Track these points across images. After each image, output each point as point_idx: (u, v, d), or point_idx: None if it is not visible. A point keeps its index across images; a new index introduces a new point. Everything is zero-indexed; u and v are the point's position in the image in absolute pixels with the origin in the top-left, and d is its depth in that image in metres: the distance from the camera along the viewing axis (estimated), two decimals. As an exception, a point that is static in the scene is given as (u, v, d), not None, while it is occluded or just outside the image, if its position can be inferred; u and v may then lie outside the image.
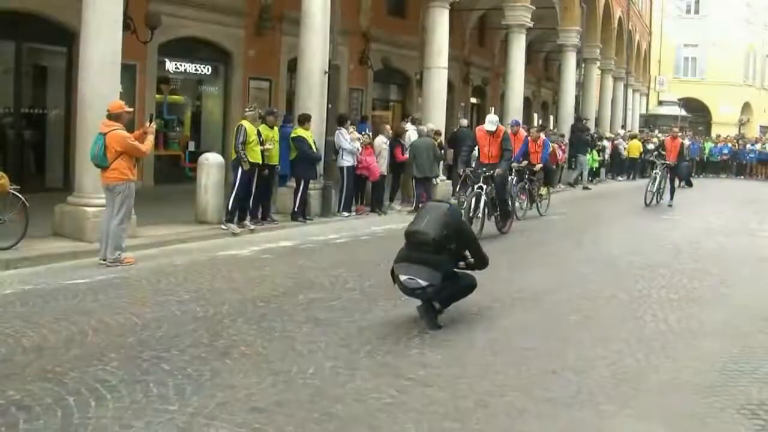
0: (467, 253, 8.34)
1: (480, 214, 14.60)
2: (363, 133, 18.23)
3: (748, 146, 43.61)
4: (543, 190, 19.88)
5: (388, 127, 19.91)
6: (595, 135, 33.19)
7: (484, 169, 15.11)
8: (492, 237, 14.76)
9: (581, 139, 30.29)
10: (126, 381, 6.03)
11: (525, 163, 18.27)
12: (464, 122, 24.41)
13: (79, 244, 11.80)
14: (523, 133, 18.88)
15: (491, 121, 15.46)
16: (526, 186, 18.73)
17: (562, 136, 29.51)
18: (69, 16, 16.04)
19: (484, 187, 14.87)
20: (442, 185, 20.89)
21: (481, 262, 8.44)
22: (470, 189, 15.26)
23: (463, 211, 13.03)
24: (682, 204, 23.70)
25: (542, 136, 20.20)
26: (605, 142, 34.06)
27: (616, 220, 19.32)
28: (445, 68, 22.02)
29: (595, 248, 14.35)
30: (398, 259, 8.17)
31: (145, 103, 19.34)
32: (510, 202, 16.21)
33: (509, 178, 16.86)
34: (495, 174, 14.97)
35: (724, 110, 62.41)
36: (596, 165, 32.34)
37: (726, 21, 59.71)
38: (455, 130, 23.44)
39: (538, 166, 18.97)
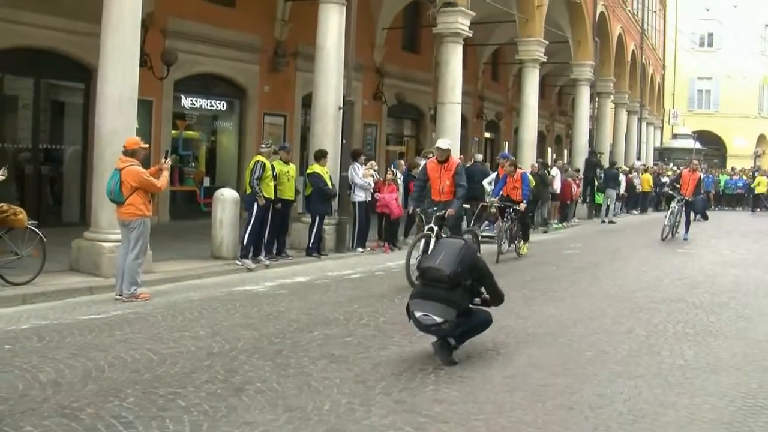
0: (483, 289, 8.34)
1: None
2: (389, 169, 18.32)
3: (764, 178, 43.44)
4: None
5: (402, 162, 19.95)
6: (619, 168, 33.27)
7: (435, 208, 13.29)
8: (505, 272, 14.74)
9: (610, 174, 30.49)
10: (142, 417, 6.04)
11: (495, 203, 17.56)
12: (479, 157, 24.44)
13: (96, 279, 11.87)
14: (520, 170, 18.07)
15: (441, 145, 13.73)
16: (508, 226, 17.51)
17: (578, 170, 29.56)
18: (87, 52, 16.27)
19: (435, 229, 12.94)
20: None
21: (497, 298, 8.43)
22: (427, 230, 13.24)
23: (410, 258, 12.62)
24: (698, 237, 23.64)
25: (519, 170, 18.28)
26: (621, 176, 34.10)
27: (632, 254, 19.24)
28: (458, 103, 22.13)
29: (611, 282, 14.28)
30: (413, 296, 8.17)
31: (161, 138, 19.51)
32: None
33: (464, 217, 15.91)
34: (446, 215, 13.12)
35: (739, 143, 62.51)
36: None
37: (739, 53, 59.93)
38: (468, 164, 23.46)
39: (522, 205, 17.45)
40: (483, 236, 20.06)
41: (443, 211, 13.05)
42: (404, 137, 31.20)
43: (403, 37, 29.04)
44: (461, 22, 21.51)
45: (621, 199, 33.93)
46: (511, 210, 17.46)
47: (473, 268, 8.13)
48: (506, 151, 32.57)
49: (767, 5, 61.91)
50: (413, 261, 12.46)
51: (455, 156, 15.64)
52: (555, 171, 26.58)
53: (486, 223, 20.67)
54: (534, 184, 20.90)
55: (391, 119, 29.21)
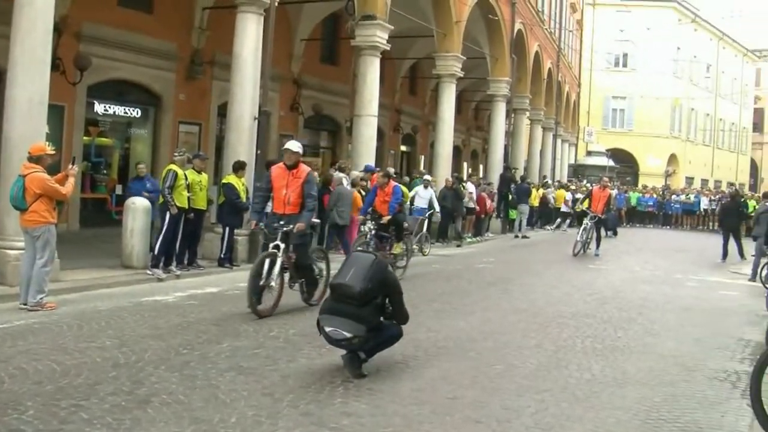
0: (388, 303, 8.29)
1: (274, 283, 11.13)
2: None
3: (674, 197, 44.71)
4: (397, 248, 16.07)
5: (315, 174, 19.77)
6: (531, 184, 33.67)
7: (282, 222, 11.34)
8: (416, 285, 14.82)
9: (523, 189, 30.81)
10: (42, 431, 5.89)
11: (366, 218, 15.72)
12: (391, 170, 24.61)
13: (0, 287, 11.56)
14: (392, 183, 16.34)
15: (291, 147, 11.47)
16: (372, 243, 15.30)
17: (490, 184, 29.88)
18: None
19: (282, 246, 11.27)
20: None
21: (402, 317, 8.35)
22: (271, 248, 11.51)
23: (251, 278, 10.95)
24: (609, 253, 24.15)
25: (392, 182, 16.20)
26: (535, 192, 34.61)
27: (544, 269, 19.52)
28: (375, 116, 22.21)
29: (522, 297, 14.45)
30: (323, 311, 8.14)
31: (72, 144, 19.09)
32: (316, 266, 12.08)
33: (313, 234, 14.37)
34: (293, 230, 11.25)
35: (651, 161, 63.84)
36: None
37: (653, 75, 61.49)
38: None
39: (386, 218, 15.44)
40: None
41: (289, 226, 11.24)
42: (320, 149, 31.15)
43: (322, 49, 29.03)
44: (379, 36, 21.61)
45: (534, 215, 34.45)
46: (375, 225, 15.48)
47: (383, 284, 8.12)
48: (421, 167, 32.91)
49: (679, 29, 63.77)
50: (272, 281, 11.10)
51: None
52: (470, 186, 26.87)
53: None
54: (408, 198, 21.11)
55: (308, 131, 29.13)
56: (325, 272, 12.32)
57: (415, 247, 20.52)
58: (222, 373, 7.79)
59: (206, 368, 7.93)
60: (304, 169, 11.60)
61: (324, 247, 16.41)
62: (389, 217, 15.51)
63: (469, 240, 25.84)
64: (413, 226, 20.56)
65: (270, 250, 11.30)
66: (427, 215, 21.72)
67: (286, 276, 11.65)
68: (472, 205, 26.40)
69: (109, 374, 7.52)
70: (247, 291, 10.93)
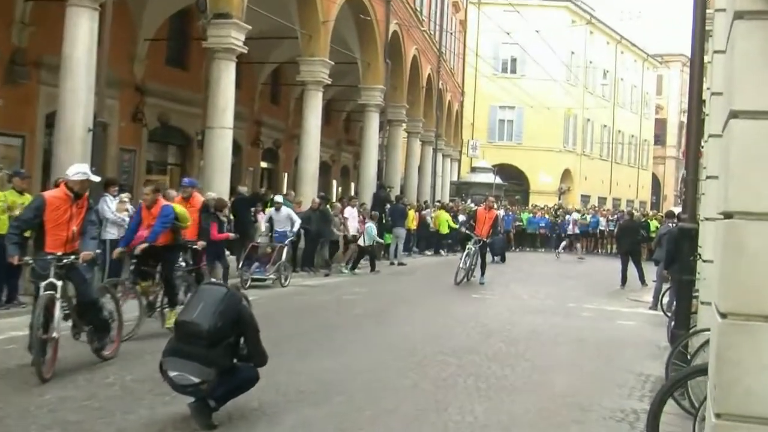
0: (243, 342, 8.17)
1: (54, 332, 9.76)
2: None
3: (568, 217, 45.78)
4: (170, 318, 12.68)
5: (173, 192, 19.14)
6: (408, 205, 33.90)
7: (58, 256, 10.02)
8: (276, 320, 14.74)
9: (398, 210, 30.94)
10: None
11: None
12: (243, 189, 24.59)
13: None
14: (198, 198, 15.87)
15: (77, 172, 10.22)
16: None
17: (362, 205, 29.91)
18: None
19: (59, 285, 9.91)
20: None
21: (258, 358, 8.25)
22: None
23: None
24: (495, 281, 24.54)
25: (161, 200, 13.49)
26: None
27: (422, 300, 19.69)
28: (230, 128, 22.05)
29: (397, 331, 14.55)
30: (167, 352, 7.97)
31: None
32: (106, 308, 11.02)
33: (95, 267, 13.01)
34: (79, 260, 10.14)
35: (543, 178, 65.05)
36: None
37: (544, 82, 61.34)
38: (233, 199, 23.35)
39: (141, 247, 12.79)
40: (254, 279, 20.16)
41: (70, 259, 10.07)
42: (168, 165, 30.69)
43: (169, 50, 28.61)
44: (235, 37, 21.49)
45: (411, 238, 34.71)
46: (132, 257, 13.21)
47: (237, 321, 8.01)
48: (285, 187, 32.85)
49: (573, 31, 65.24)
50: (54, 333, 9.76)
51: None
52: (349, 211, 26.95)
53: (256, 264, 20.69)
54: (186, 222, 20.74)
55: (153, 144, 28.67)
56: (116, 315, 11.39)
57: (273, 277, 20.54)
58: (44, 429, 7.56)
59: (26, 424, 7.69)
60: (84, 198, 10.37)
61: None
62: (144, 245, 12.80)
63: (344, 272, 25.82)
64: (276, 253, 20.61)
65: (44, 292, 9.77)
66: (288, 241, 21.75)
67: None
68: (353, 231, 26.53)
69: None
70: (31, 348, 9.58)
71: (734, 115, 4.46)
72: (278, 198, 23.37)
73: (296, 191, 26.75)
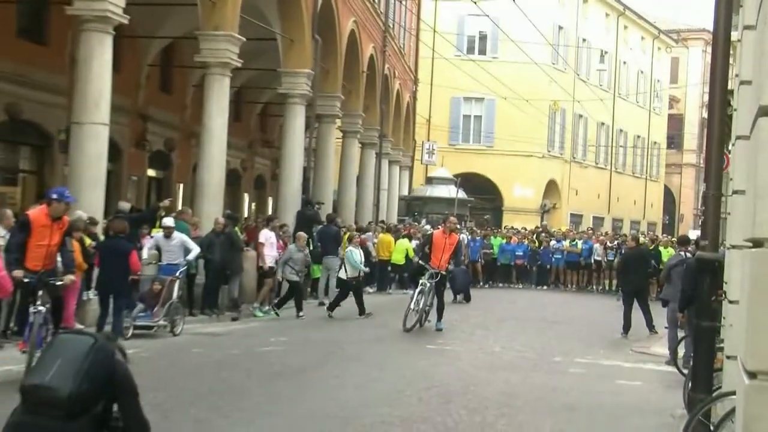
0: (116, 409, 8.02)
1: None
2: None
3: (553, 243, 45.87)
4: None
5: (8, 212, 18.97)
6: (343, 227, 33.80)
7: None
8: (166, 380, 14.60)
9: (329, 234, 30.75)
10: None
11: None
12: (125, 206, 24.36)
13: None
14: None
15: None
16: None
17: (284, 226, 29.75)
18: None
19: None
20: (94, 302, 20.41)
21: (140, 428, 8.11)
22: None
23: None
24: (457, 327, 24.63)
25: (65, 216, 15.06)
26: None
27: (361, 353, 19.64)
28: (106, 124, 21.85)
29: (326, 396, 14.52)
30: (9, 427, 7.79)
31: None
32: None
33: None
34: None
35: (521, 192, 65.08)
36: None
37: (523, 66, 60.51)
38: (111, 218, 23.16)
39: (70, 278, 14.70)
40: (137, 326, 19.92)
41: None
42: (20, 173, 30.37)
43: (19, 18, 28.28)
44: (112, 2, 21.34)
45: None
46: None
47: (109, 381, 7.82)
48: (180, 203, 32.64)
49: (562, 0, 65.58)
50: None
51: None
52: (265, 235, 26.79)
53: (140, 306, 20.47)
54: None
55: (0, 145, 28.44)
56: None
57: (162, 323, 20.36)
58: None
59: None
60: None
61: None
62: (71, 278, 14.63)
63: (259, 314, 25.70)
64: (166, 290, 20.45)
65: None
66: (179, 273, 21.64)
67: None
68: (270, 262, 26.39)
69: None
70: None
71: (765, 111, 4.42)
72: (168, 221, 22.73)
73: (194, 209, 26.58)
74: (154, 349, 16.73)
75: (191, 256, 22.10)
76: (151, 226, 23.70)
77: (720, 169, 11.97)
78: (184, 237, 22.35)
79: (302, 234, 27.45)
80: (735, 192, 9.96)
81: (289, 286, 26.52)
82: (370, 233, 37.28)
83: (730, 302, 10.31)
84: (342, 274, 26.65)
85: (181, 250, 21.81)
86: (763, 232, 4.45)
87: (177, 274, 21.48)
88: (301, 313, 26.11)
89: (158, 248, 22.09)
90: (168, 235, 22.04)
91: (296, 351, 19.53)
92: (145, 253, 21.92)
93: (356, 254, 27.45)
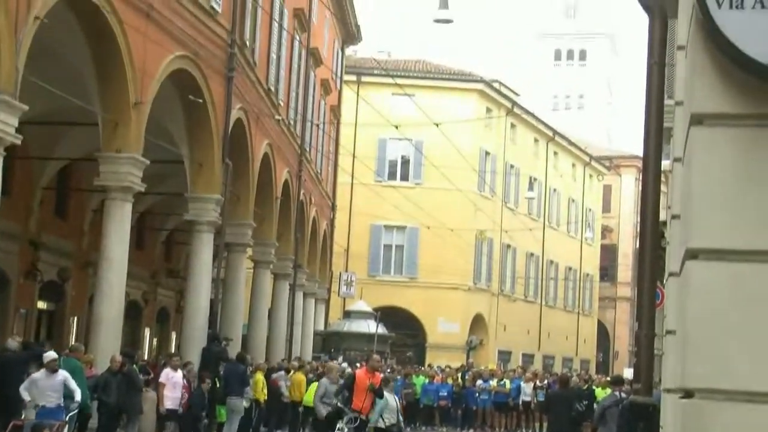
0: None
1: None
2: None
3: (479, 383, 45.60)
4: None
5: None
6: (251, 366, 33.44)
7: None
8: None
9: (236, 372, 30.36)
10: None
11: None
12: (12, 343, 23.95)
13: None
14: None
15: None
16: None
17: (188, 364, 29.40)
18: None
19: None
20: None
21: None
22: None
23: None
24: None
25: None
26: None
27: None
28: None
29: None
30: None
31: None
32: None
33: None
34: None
35: (445, 327, 65.04)
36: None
37: (448, 194, 61.77)
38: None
39: None
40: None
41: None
42: None
43: None
44: (3, 121, 21.15)
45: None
46: None
47: None
48: (72, 337, 32.21)
49: (487, 124, 66.22)
50: None
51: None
52: (168, 374, 26.49)
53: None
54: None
55: None
56: None
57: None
58: None
59: None
60: None
61: None
62: None
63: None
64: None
65: None
66: (67, 417, 21.09)
67: None
68: (173, 404, 26.06)
69: None
70: None
71: (692, 254, 4.42)
72: (51, 354, 21.67)
73: (89, 345, 26.21)
74: None
75: (77, 398, 21.03)
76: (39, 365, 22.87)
77: (652, 306, 11.88)
78: (67, 375, 21.11)
79: (333, 365, 27.10)
80: (668, 332, 9.91)
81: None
82: (283, 372, 37.02)
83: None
84: (381, 423, 24.57)
85: (60, 391, 20.75)
86: (691, 382, 4.44)
87: (64, 417, 20.84)
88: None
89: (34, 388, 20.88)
90: (53, 369, 20.80)
91: None
92: (24, 395, 20.93)
93: (389, 399, 25.19)
